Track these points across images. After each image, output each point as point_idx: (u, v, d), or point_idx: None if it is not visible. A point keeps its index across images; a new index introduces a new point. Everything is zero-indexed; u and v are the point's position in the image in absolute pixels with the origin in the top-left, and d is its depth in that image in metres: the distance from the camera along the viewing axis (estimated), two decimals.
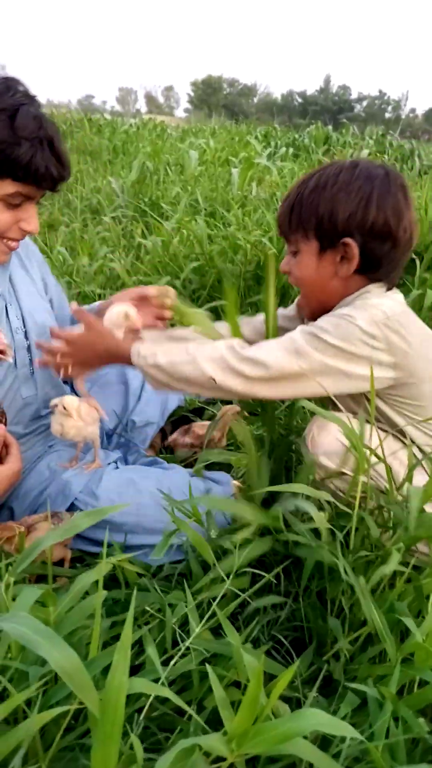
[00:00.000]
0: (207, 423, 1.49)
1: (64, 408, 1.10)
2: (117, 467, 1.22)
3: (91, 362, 1.13)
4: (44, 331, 1.18)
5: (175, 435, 1.49)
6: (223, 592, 0.83)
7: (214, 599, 0.84)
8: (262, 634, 0.88)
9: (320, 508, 0.94)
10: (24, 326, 1.16)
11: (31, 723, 0.55)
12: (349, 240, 0.96)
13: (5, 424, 1.06)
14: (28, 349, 1.16)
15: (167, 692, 0.61)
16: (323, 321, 0.96)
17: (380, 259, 0.98)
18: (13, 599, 0.69)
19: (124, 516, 1.09)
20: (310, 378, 0.93)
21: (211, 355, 0.98)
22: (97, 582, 0.69)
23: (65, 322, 1.34)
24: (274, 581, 0.88)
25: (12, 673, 0.64)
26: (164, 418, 1.53)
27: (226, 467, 1.34)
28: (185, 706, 0.61)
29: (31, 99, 0.96)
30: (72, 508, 1.13)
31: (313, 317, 1.04)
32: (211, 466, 1.32)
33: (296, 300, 1.23)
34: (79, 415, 1.12)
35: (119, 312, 1.11)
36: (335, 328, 0.93)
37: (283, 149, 6.23)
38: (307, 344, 0.93)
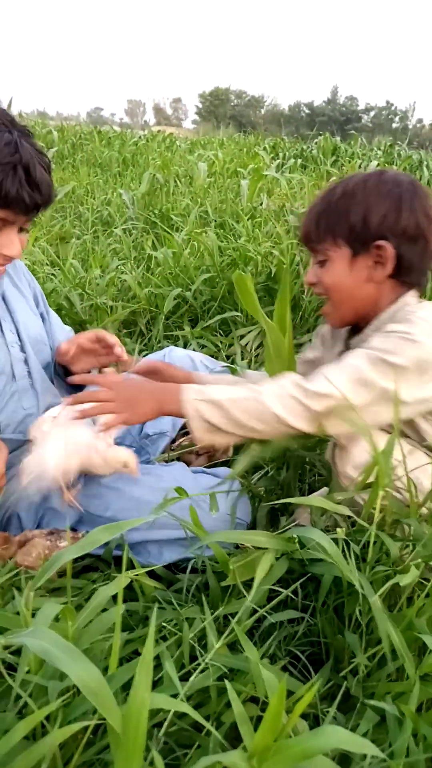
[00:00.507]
0: None
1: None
2: None
3: (138, 407, 1.00)
4: (38, 344, 1.23)
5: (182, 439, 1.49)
6: (240, 607, 0.83)
7: (231, 614, 0.84)
8: (279, 650, 0.88)
9: (336, 524, 0.94)
10: (19, 340, 1.19)
11: (53, 738, 0.55)
12: (383, 242, 0.96)
13: None
14: (25, 361, 1.19)
15: (187, 708, 0.61)
16: (381, 342, 0.92)
17: (412, 262, 0.98)
18: (33, 614, 0.70)
19: (124, 512, 1.10)
20: (382, 405, 0.90)
21: (278, 391, 0.93)
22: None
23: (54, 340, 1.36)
24: (292, 596, 0.88)
25: (32, 687, 0.64)
26: (176, 429, 1.54)
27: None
28: (205, 723, 0.61)
29: (10, 126, 0.97)
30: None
31: (343, 325, 1.03)
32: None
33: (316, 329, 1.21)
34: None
35: (118, 460, 1.07)
36: (399, 348, 0.90)
37: (292, 160, 6.26)
38: (375, 370, 0.89)
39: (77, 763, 0.62)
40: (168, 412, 0.99)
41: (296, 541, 0.86)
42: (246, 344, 2.16)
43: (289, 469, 1.24)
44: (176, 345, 1.99)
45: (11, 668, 0.71)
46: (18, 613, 0.73)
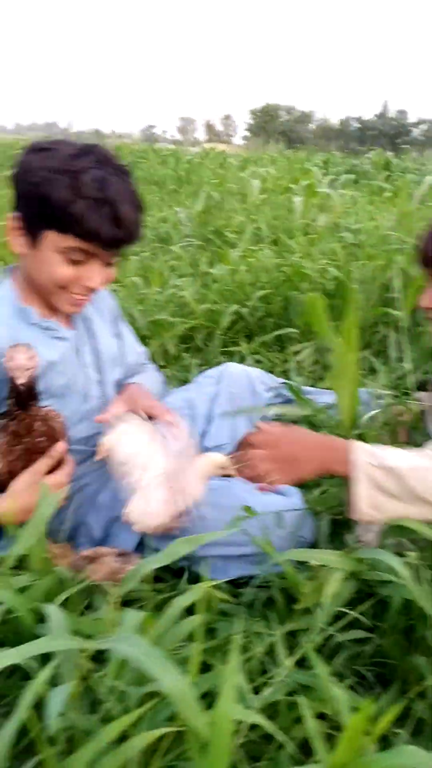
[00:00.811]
0: None
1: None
2: None
3: (299, 469, 0.94)
4: (113, 365, 1.28)
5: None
6: (306, 626, 0.84)
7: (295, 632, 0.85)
8: (345, 669, 0.88)
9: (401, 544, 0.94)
10: (98, 361, 1.25)
11: (139, 741, 0.58)
12: None
13: (67, 441, 1.12)
14: (99, 382, 1.25)
15: (262, 721, 0.63)
16: None
17: None
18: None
19: (189, 529, 1.12)
20: None
21: None
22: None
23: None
24: (360, 617, 0.88)
25: (116, 694, 0.67)
26: (233, 442, 1.56)
27: None
28: (281, 735, 0.63)
29: (103, 164, 1.02)
30: None
31: None
32: None
33: None
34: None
35: (215, 464, 1.03)
36: None
37: (344, 176, 6.26)
38: None
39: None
40: (332, 473, 0.90)
41: (365, 561, 0.86)
42: (301, 361, 2.17)
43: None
44: (232, 360, 2.02)
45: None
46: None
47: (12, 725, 0.55)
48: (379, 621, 0.91)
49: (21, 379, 0.96)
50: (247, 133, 75.30)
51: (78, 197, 0.98)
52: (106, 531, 1.20)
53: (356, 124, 76.53)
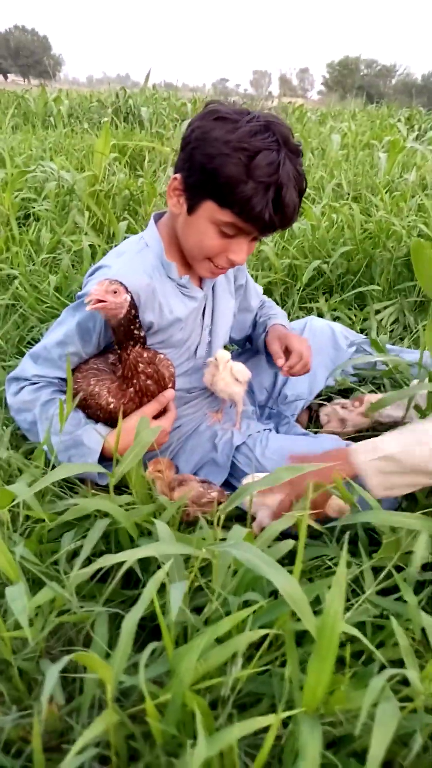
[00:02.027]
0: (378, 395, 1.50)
1: (216, 360, 1.23)
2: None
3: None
4: (227, 326, 1.37)
5: (335, 409, 1.49)
6: (394, 561, 0.87)
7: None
8: (428, 605, 0.91)
9: None
10: (212, 324, 1.31)
11: (247, 637, 0.64)
12: None
13: (174, 388, 1.17)
14: (209, 344, 1.32)
15: (356, 632, 0.67)
16: None
17: None
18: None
19: None
20: None
21: None
22: None
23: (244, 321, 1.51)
24: None
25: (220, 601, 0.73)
26: (312, 395, 1.59)
27: None
28: (372, 648, 0.67)
29: (281, 145, 1.00)
30: (233, 465, 1.24)
31: None
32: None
33: None
34: (228, 371, 1.24)
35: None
36: None
37: (430, 133, 5.95)
38: None
39: (255, 665, 0.70)
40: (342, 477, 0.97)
41: None
42: (381, 320, 2.15)
43: None
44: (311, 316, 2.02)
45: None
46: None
47: (139, 609, 0.62)
48: None
49: (112, 320, 1.00)
50: (323, 88, 72.16)
51: (249, 179, 0.98)
52: (195, 472, 1.27)
53: None
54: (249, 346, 1.65)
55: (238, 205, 1.01)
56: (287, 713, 0.55)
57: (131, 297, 1.00)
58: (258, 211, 1.00)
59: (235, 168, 0.97)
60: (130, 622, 0.62)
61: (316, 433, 1.48)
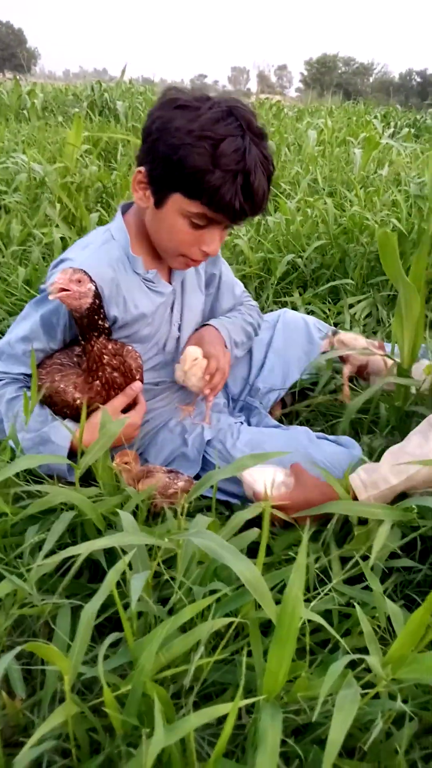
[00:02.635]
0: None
1: (185, 357, 1.21)
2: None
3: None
4: (196, 322, 1.33)
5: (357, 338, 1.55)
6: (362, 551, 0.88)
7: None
8: (395, 593, 0.92)
9: None
10: (180, 320, 1.28)
11: (210, 626, 0.63)
12: None
13: (142, 381, 1.16)
14: (178, 339, 1.29)
15: (319, 618, 0.67)
16: None
17: None
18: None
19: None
20: None
21: None
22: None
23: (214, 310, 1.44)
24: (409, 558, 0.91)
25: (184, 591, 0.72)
26: (285, 387, 1.59)
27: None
28: (335, 634, 0.67)
29: (245, 130, 0.98)
30: (204, 459, 1.23)
31: None
32: (334, 430, 1.36)
33: None
34: (198, 367, 1.21)
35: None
36: None
37: (405, 130, 6.01)
38: None
39: (220, 654, 0.70)
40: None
41: (415, 511, 0.89)
42: (354, 314, 2.16)
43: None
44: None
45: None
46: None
47: (98, 598, 0.61)
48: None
49: (76, 310, 0.97)
50: (301, 85, 72.40)
51: (216, 168, 0.96)
52: (165, 465, 1.26)
53: (418, 78, 72.48)
54: None
55: (207, 195, 0.99)
56: (247, 701, 0.54)
57: (96, 286, 0.98)
58: (228, 200, 0.98)
59: (201, 158, 0.95)
60: (89, 612, 0.61)
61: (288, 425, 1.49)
